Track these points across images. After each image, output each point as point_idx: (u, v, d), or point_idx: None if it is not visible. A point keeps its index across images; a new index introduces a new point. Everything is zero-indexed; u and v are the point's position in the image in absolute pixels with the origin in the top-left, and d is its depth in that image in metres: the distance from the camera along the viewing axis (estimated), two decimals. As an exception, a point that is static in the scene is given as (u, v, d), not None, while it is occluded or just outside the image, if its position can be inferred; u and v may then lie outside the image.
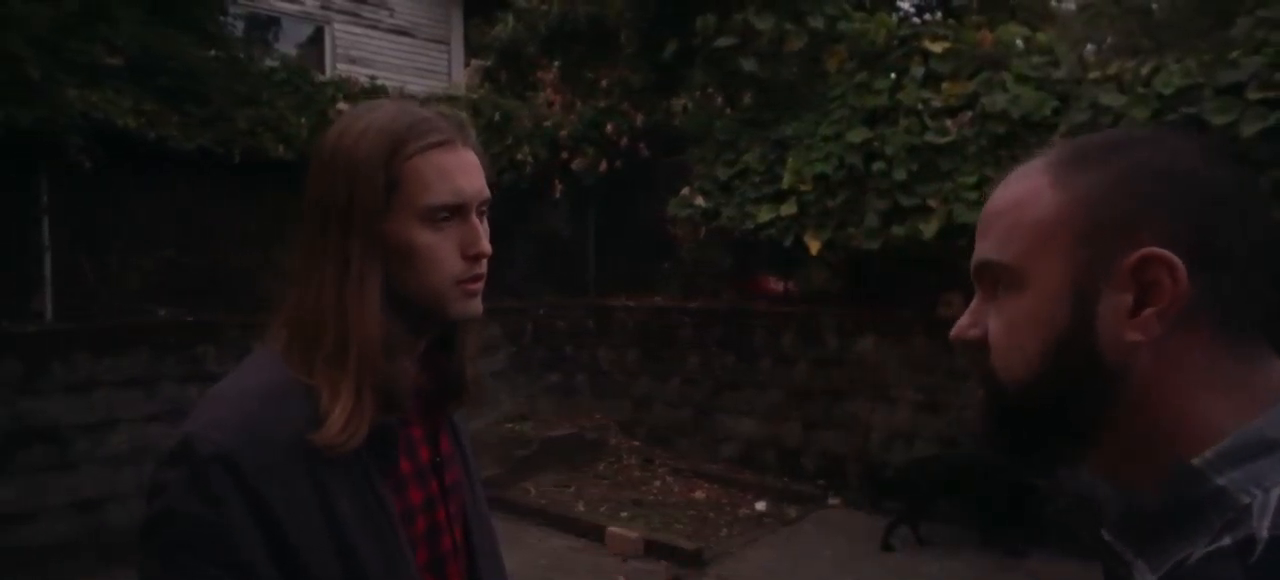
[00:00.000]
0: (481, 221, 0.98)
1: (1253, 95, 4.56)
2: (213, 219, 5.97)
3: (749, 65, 6.66)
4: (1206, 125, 4.65)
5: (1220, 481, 0.58)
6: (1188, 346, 0.61)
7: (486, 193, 0.99)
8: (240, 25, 8.02)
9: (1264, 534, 0.53)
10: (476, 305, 0.99)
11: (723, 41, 6.72)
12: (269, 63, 6.66)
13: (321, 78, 7.16)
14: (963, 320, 0.71)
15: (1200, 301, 0.60)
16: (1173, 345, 0.61)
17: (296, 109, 6.34)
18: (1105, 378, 0.62)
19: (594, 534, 5.64)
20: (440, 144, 0.94)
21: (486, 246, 0.97)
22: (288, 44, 9.19)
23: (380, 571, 0.90)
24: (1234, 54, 4.79)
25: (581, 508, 6.16)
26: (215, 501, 0.83)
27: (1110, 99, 5.14)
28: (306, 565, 0.85)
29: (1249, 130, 4.49)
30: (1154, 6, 14.02)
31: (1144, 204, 0.62)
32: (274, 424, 0.86)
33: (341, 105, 6.55)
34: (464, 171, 0.95)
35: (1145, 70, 5.20)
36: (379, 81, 7.27)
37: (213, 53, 5.97)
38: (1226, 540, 0.55)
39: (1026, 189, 0.66)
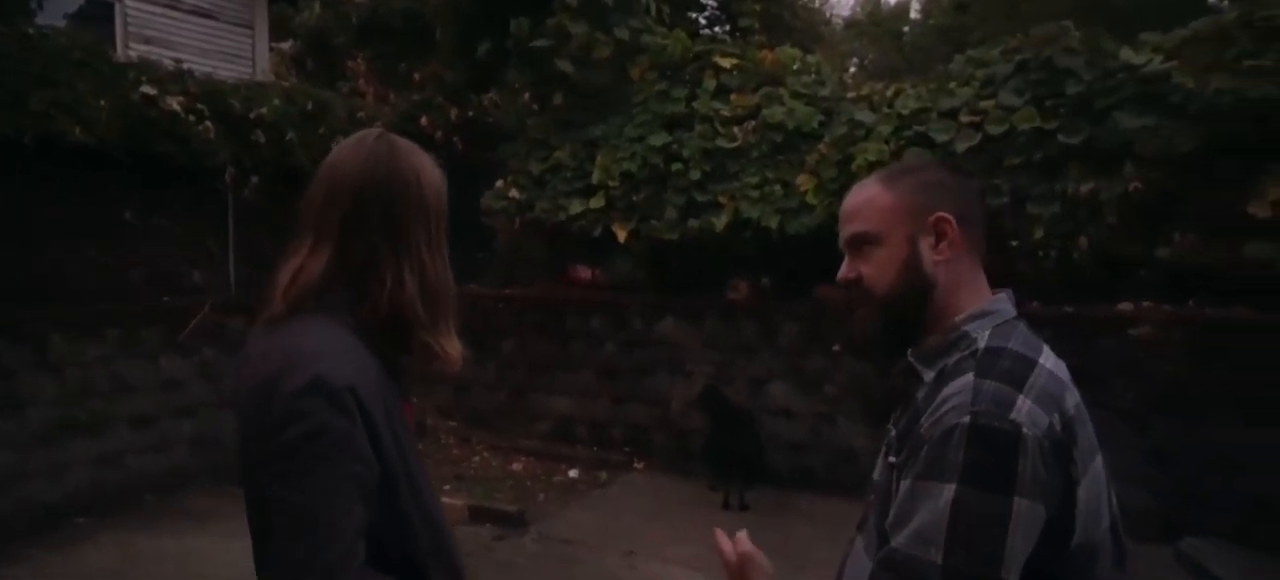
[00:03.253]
0: None
1: (964, 118, 5.71)
2: (10, 208, 5.62)
3: (564, 66, 7.18)
4: (932, 141, 5.75)
5: (966, 328, 1.21)
6: (961, 267, 1.24)
7: None
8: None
9: (981, 346, 1.17)
10: None
11: (538, 43, 7.21)
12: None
13: (119, 59, 6.86)
14: (844, 269, 1.30)
15: (964, 243, 1.24)
16: (955, 267, 1.24)
17: (96, 91, 6.08)
18: (927, 285, 1.23)
19: (420, 507, 5.96)
20: None
21: None
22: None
23: (416, 471, 1.33)
24: (951, 84, 5.95)
25: (405, 485, 6.45)
26: (350, 416, 1.16)
27: (863, 115, 6.17)
28: (390, 461, 1.25)
29: (961, 147, 5.63)
30: (904, 31, 16.13)
31: (935, 195, 1.25)
32: (365, 366, 1.24)
33: (147, 88, 6.34)
34: None
35: (889, 93, 6.30)
36: (184, 65, 7.06)
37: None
38: (966, 352, 1.18)
39: (873, 192, 1.28)
